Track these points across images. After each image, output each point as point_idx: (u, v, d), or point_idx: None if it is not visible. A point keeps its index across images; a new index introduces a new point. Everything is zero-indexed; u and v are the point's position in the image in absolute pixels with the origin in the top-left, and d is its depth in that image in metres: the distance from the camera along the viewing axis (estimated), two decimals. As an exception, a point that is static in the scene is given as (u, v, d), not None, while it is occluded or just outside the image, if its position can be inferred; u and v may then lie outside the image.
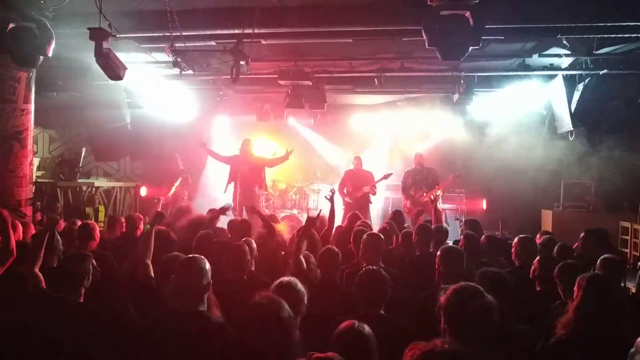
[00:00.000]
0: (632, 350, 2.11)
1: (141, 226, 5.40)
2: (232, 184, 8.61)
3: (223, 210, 5.29)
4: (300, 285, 2.90)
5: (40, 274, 3.21)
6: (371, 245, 4.19)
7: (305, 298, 2.86)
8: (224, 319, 2.87)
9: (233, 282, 3.65)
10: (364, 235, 4.34)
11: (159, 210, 3.89)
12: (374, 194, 9.16)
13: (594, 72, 7.24)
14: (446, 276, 3.52)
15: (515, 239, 4.70)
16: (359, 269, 3.83)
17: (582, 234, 5.14)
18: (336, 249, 4.03)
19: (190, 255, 2.98)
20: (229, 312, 2.91)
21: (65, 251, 4.20)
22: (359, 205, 9.01)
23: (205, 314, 2.76)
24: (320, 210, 6.22)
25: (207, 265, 2.86)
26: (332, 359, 2.05)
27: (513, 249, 4.58)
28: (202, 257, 2.92)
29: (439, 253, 3.70)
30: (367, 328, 2.39)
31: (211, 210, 5.43)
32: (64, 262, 3.36)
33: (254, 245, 4.30)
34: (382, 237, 4.44)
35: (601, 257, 3.71)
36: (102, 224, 8.61)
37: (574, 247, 5.08)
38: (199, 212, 5.72)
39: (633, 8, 5.07)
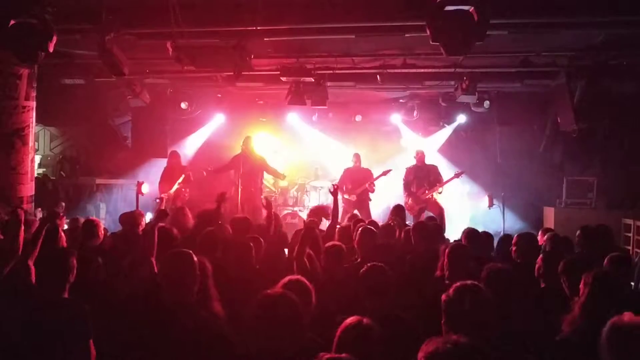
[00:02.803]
0: None
1: (142, 223, 5.39)
2: (235, 182, 8.65)
3: (222, 198, 5.32)
4: (307, 283, 2.90)
5: (32, 267, 3.20)
6: (366, 239, 4.20)
7: (313, 296, 2.86)
8: (225, 313, 2.88)
9: (235, 276, 3.66)
10: (358, 231, 4.35)
11: (162, 208, 3.88)
12: (372, 191, 9.15)
13: (596, 69, 7.22)
14: (452, 273, 3.51)
15: (515, 237, 4.69)
16: (357, 264, 3.87)
17: (578, 232, 5.09)
18: (341, 245, 4.03)
19: (177, 250, 2.99)
20: (232, 307, 2.91)
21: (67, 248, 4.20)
22: (358, 202, 9.03)
23: (192, 309, 2.74)
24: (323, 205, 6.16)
25: (195, 259, 2.87)
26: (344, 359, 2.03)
27: (513, 247, 4.56)
28: (189, 251, 2.93)
29: (446, 250, 3.70)
30: (371, 323, 2.38)
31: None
32: (47, 258, 3.33)
33: (262, 242, 4.33)
34: (375, 231, 4.45)
35: (609, 255, 3.69)
36: (103, 221, 8.60)
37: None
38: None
39: (635, 3, 5.04)
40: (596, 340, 2.59)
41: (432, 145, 10.53)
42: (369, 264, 3.24)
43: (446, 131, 10.55)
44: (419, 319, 3.18)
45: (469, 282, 2.58)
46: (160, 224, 3.77)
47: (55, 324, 2.81)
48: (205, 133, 10.87)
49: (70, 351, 2.77)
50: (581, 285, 2.85)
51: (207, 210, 5.13)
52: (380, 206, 9.70)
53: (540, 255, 3.82)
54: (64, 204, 8.43)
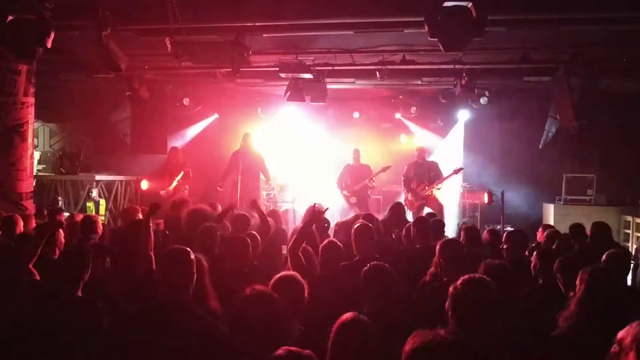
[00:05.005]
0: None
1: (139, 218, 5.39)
2: (234, 177, 8.67)
3: (231, 208, 5.34)
4: (299, 279, 2.89)
5: (33, 269, 3.20)
6: (362, 236, 4.20)
7: (306, 291, 2.86)
8: (221, 311, 2.88)
9: (233, 272, 3.67)
10: (354, 227, 4.34)
11: (155, 202, 3.84)
12: (372, 187, 9.22)
13: (597, 66, 7.20)
14: (446, 269, 3.51)
15: (505, 234, 4.68)
16: (355, 262, 3.86)
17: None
18: (338, 242, 4.03)
19: (175, 247, 2.99)
20: (229, 303, 2.91)
21: (66, 244, 4.22)
22: (357, 198, 9.05)
23: (189, 307, 2.74)
24: (315, 204, 6.12)
25: (192, 256, 2.86)
26: (301, 354, 2.03)
27: (504, 245, 4.54)
28: (187, 248, 2.91)
29: (438, 247, 3.69)
30: (368, 319, 2.38)
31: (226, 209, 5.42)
32: (62, 255, 3.35)
33: (259, 239, 4.33)
34: (372, 227, 4.43)
35: (608, 251, 3.69)
36: (103, 218, 8.60)
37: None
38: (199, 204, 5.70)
39: None
40: (592, 336, 2.60)
41: (431, 141, 10.50)
42: (370, 264, 3.20)
43: (458, 128, 10.48)
44: (415, 315, 3.19)
45: (476, 275, 2.59)
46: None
47: (69, 322, 2.82)
48: (201, 128, 10.86)
49: (83, 349, 2.77)
50: (577, 282, 2.86)
51: (198, 209, 5.11)
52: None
53: (535, 253, 3.82)
54: (60, 198, 8.42)
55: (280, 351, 2.01)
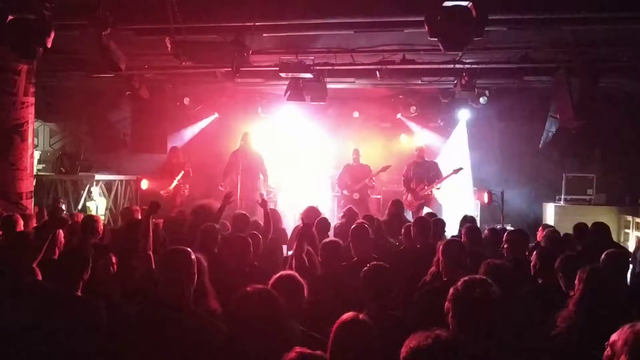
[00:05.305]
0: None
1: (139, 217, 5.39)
2: (234, 177, 8.67)
3: (228, 198, 5.33)
4: (299, 278, 2.90)
5: (37, 268, 3.21)
6: (359, 237, 4.20)
7: (305, 291, 2.86)
8: (222, 311, 2.88)
9: (234, 272, 3.67)
10: (351, 228, 4.35)
11: (155, 200, 3.82)
12: (372, 186, 9.22)
13: (596, 65, 7.20)
14: (448, 269, 3.51)
15: (506, 233, 4.67)
16: (354, 262, 3.87)
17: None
18: (338, 241, 4.04)
19: (175, 247, 2.99)
20: (229, 302, 2.92)
21: (67, 244, 4.22)
22: (357, 198, 9.05)
23: (190, 307, 2.74)
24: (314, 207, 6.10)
25: (193, 257, 2.86)
26: (315, 356, 2.02)
27: (505, 244, 4.53)
28: (187, 248, 2.92)
29: (441, 246, 3.69)
30: (367, 319, 2.39)
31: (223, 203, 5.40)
32: (63, 255, 3.36)
33: (261, 238, 4.34)
34: (368, 227, 4.44)
35: (606, 251, 3.70)
36: (103, 218, 8.61)
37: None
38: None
39: (636, -1, 5.03)
40: (591, 336, 2.61)
41: (431, 140, 10.50)
42: (370, 265, 3.20)
43: (461, 128, 10.46)
44: (415, 315, 3.19)
45: (477, 276, 2.58)
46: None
47: (69, 322, 2.82)
48: (201, 128, 10.86)
49: (83, 349, 2.77)
50: (576, 282, 2.86)
51: (204, 206, 5.12)
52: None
53: (535, 252, 3.83)
54: (62, 200, 8.44)
55: (292, 354, 2.01)
